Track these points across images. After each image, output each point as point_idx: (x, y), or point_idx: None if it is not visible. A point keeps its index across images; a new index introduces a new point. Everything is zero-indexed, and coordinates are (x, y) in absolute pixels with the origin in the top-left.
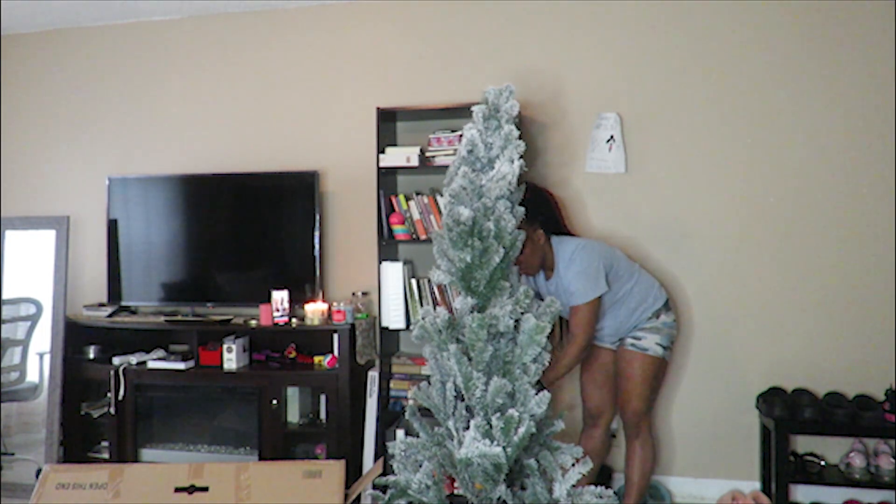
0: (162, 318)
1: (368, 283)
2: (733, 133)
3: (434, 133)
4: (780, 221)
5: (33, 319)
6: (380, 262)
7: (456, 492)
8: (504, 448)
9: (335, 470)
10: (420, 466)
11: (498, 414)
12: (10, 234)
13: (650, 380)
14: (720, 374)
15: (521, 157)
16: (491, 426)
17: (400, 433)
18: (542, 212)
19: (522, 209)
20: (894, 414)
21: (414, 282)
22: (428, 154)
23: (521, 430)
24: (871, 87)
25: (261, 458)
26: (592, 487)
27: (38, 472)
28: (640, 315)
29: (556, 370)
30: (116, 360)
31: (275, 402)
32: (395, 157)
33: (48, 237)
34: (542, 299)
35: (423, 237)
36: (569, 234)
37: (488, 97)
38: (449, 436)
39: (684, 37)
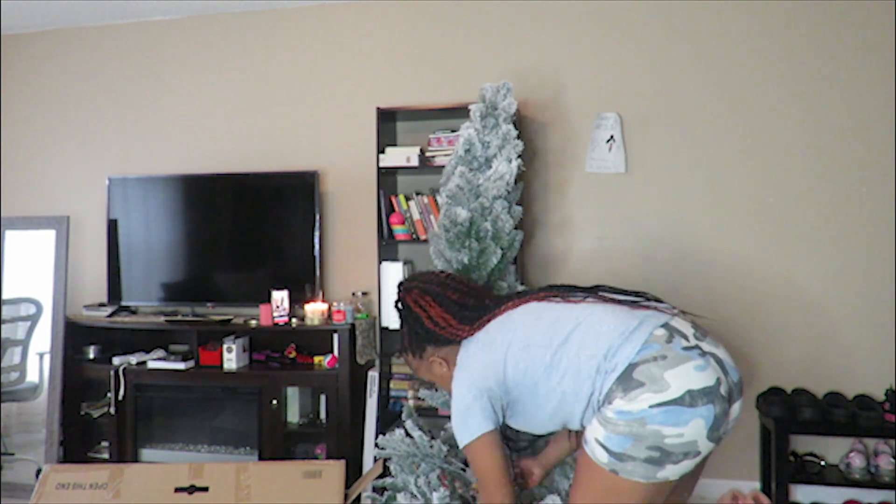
0: (162, 318)
1: (368, 283)
2: (733, 133)
3: (434, 133)
4: (779, 221)
5: (33, 319)
6: (380, 262)
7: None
8: None
9: (335, 470)
10: (418, 467)
11: None
12: (10, 234)
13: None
14: None
15: (520, 156)
16: None
17: (400, 433)
18: (419, 333)
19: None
20: (894, 414)
21: None
22: (428, 154)
23: None
24: (871, 87)
25: (261, 459)
26: None
27: (38, 472)
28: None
29: None
30: (116, 360)
31: (275, 402)
32: (395, 157)
33: (48, 237)
34: None
35: (423, 237)
36: (474, 328)
37: (485, 94)
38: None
39: (684, 37)
